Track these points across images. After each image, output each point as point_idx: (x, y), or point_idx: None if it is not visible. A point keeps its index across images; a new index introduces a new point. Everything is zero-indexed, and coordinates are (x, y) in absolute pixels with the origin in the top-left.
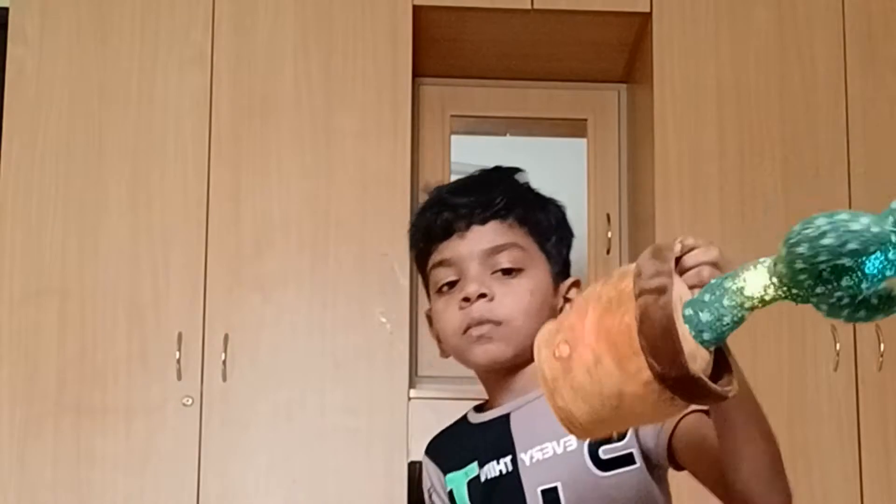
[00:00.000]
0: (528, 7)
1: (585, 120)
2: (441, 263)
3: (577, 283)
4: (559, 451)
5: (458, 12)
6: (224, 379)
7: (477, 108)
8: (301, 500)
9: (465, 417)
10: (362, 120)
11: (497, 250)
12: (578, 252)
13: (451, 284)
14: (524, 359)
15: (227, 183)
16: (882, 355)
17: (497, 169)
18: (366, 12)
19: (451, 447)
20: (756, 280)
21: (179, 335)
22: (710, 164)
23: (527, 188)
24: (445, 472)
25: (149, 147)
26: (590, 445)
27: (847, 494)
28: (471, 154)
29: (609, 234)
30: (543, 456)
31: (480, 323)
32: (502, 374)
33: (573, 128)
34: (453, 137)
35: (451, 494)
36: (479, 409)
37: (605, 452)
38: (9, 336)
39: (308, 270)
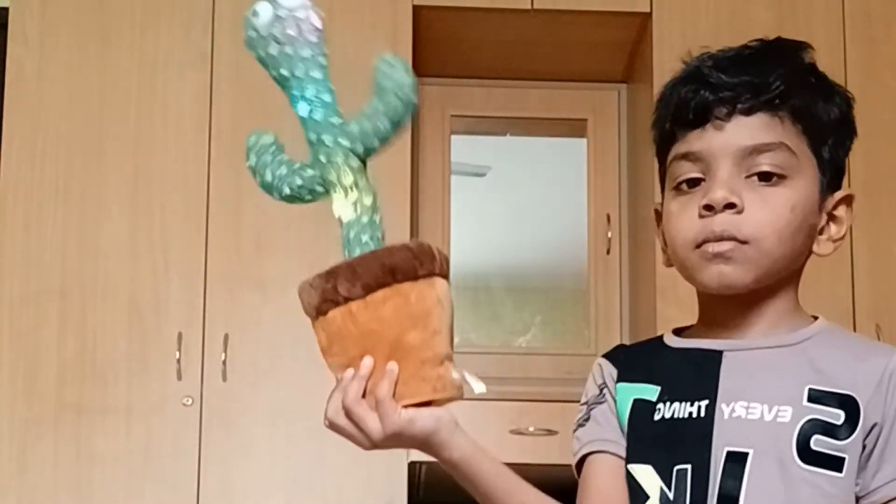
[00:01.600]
0: (528, 7)
1: (585, 120)
2: (686, 156)
3: (848, 199)
4: (768, 417)
5: (458, 12)
6: (224, 379)
7: (477, 108)
8: (301, 500)
9: (660, 337)
10: None
11: (759, 150)
12: (579, 252)
13: (694, 183)
14: (764, 289)
15: (227, 183)
16: None
17: (780, 42)
18: (366, 12)
19: (635, 359)
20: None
21: (179, 335)
22: None
23: (811, 70)
24: (619, 379)
25: (149, 147)
26: (804, 429)
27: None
28: (471, 154)
29: (609, 234)
30: (747, 415)
31: (721, 239)
32: (731, 303)
33: (573, 128)
34: (453, 137)
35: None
36: (679, 331)
37: (817, 444)
38: (9, 336)
39: (308, 270)
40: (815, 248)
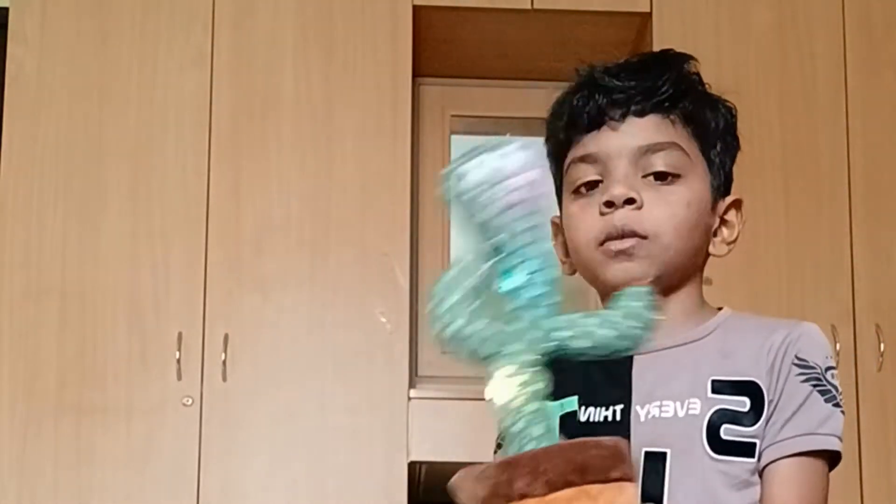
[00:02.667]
0: (528, 7)
1: None
2: (583, 159)
3: (737, 203)
4: (681, 413)
5: (457, 12)
6: (224, 379)
7: (477, 108)
8: (301, 500)
9: None
10: (362, 120)
11: (653, 149)
12: None
13: (592, 185)
14: (666, 286)
15: (227, 183)
16: (882, 355)
17: (666, 53)
18: (366, 12)
19: (553, 373)
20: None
21: (179, 335)
22: None
23: (697, 80)
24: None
25: (149, 147)
26: (713, 418)
27: (847, 495)
28: None
29: None
30: (661, 414)
31: (623, 235)
32: None
33: None
34: (453, 137)
35: None
36: None
37: (726, 433)
38: (9, 336)
39: (308, 270)
40: (710, 248)
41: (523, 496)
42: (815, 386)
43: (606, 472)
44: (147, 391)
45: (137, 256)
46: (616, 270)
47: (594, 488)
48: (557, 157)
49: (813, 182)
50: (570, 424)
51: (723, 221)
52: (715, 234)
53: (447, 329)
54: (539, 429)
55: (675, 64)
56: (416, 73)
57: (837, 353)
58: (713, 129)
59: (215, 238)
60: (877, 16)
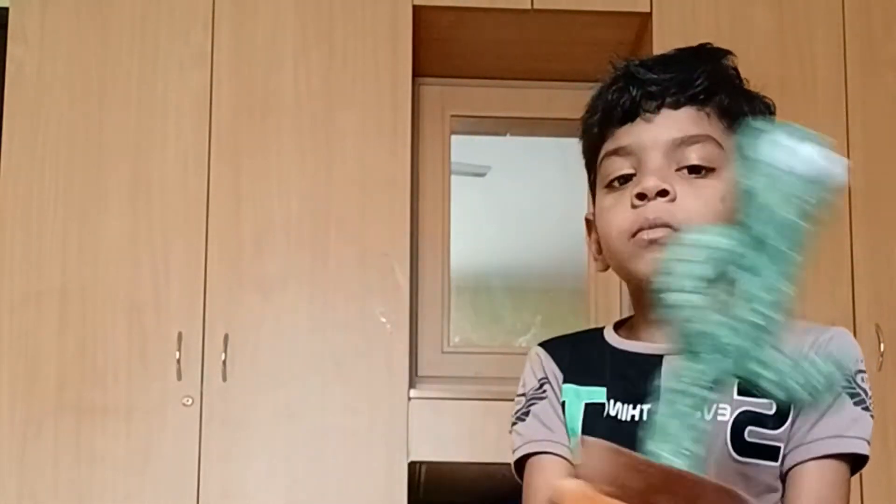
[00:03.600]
0: (528, 7)
1: None
2: (616, 152)
3: None
4: (707, 416)
5: (457, 12)
6: (224, 379)
7: (477, 108)
8: (301, 500)
9: (599, 333)
10: (362, 120)
11: (688, 142)
12: (578, 252)
13: (626, 179)
14: None
15: (227, 183)
16: (882, 355)
17: (703, 47)
18: (366, 12)
19: (578, 358)
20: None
21: (179, 335)
22: None
23: (735, 74)
24: (566, 380)
25: (149, 147)
26: (738, 421)
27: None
28: (471, 154)
29: None
30: None
31: (654, 226)
32: None
33: (573, 128)
34: (453, 137)
35: (562, 406)
36: (619, 327)
37: (751, 434)
38: (9, 336)
39: (308, 270)
40: None
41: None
42: (844, 388)
43: None
44: (147, 391)
45: (137, 256)
46: (647, 260)
47: None
48: (591, 151)
49: None
50: (594, 415)
51: None
52: None
53: (677, 297)
54: (695, 446)
55: (711, 57)
56: (416, 73)
57: None
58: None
59: (215, 238)
60: (877, 16)
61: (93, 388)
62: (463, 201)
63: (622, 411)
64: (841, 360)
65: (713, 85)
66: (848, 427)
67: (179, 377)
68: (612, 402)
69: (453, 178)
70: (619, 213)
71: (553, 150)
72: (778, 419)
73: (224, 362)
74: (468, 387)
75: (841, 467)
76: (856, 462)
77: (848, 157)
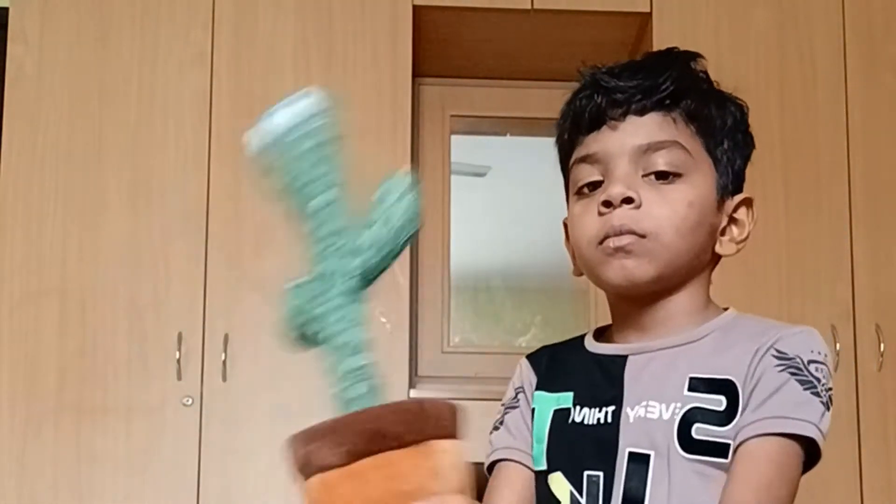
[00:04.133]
0: (528, 7)
1: None
2: (584, 159)
3: (748, 202)
4: (665, 415)
5: (457, 12)
6: (224, 379)
7: (477, 108)
8: (301, 500)
9: (580, 339)
10: (362, 118)
11: (654, 148)
12: None
13: (594, 186)
14: (666, 286)
15: (226, 183)
16: (882, 355)
17: (670, 51)
18: (366, 12)
19: (554, 365)
20: None
21: (179, 335)
22: None
23: (703, 77)
24: (538, 387)
25: (149, 147)
26: (686, 418)
27: (847, 494)
28: (471, 154)
29: None
30: (647, 415)
31: (621, 233)
32: (635, 303)
33: None
34: (453, 137)
35: (532, 413)
36: (601, 331)
37: (698, 432)
38: (9, 336)
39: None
40: (717, 247)
41: (329, 467)
42: (793, 374)
43: (401, 437)
44: (147, 391)
45: (137, 256)
46: (615, 268)
47: (394, 454)
48: (564, 158)
49: (813, 182)
50: (560, 421)
51: (732, 220)
52: (723, 234)
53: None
54: (363, 388)
55: (678, 62)
56: (416, 73)
57: (837, 354)
58: (719, 126)
59: (215, 238)
60: (877, 17)
61: (93, 387)
62: (463, 201)
63: (588, 416)
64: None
65: (679, 89)
66: (794, 409)
67: (179, 377)
68: (577, 407)
69: (453, 178)
70: (588, 221)
71: (553, 151)
72: (728, 416)
73: (224, 362)
74: (468, 387)
75: (786, 447)
76: (810, 454)
77: (848, 156)
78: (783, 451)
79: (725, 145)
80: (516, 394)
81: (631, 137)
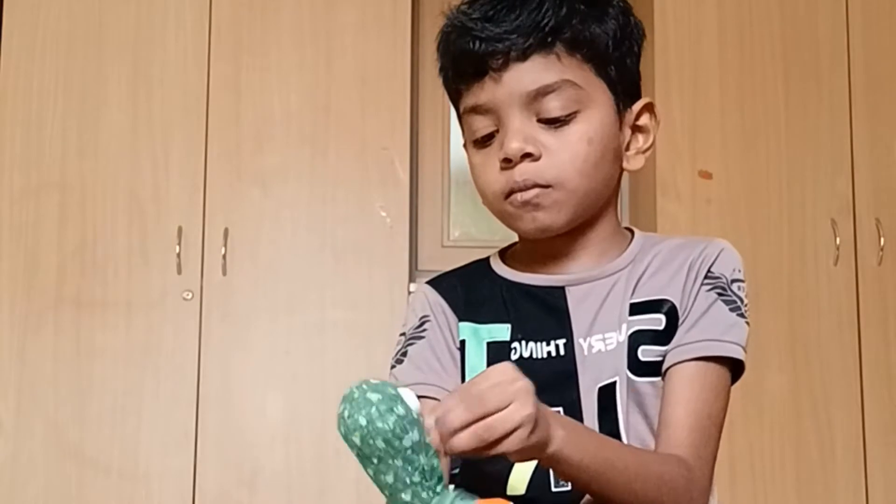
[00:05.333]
0: None
1: None
2: (475, 109)
3: (649, 106)
4: (621, 339)
5: None
6: (224, 273)
7: None
8: (300, 394)
9: (485, 264)
10: (362, 14)
11: (543, 92)
12: None
13: (490, 136)
14: (582, 224)
15: (226, 77)
16: (882, 249)
17: None
18: None
19: (471, 294)
20: None
21: (179, 229)
22: (711, 65)
23: None
24: (461, 317)
25: (149, 41)
26: (631, 343)
27: (847, 386)
28: None
29: None
30: (606, 347)
31: (525, 188)
32: (556, 240)
33: None
34: None
35: (461, 345)
36: (506, 257)
37: (644, 353)
38: (9, 230)
39: (308, 165)
40: (625, 165)
41: None
42: (719, 295)
43: None
44: (147, 285)
45: (137, 151)
46: (526, 221)
47: None
48: (454, 100)
49: (813, 76)
50: (500, 355)
51: (636, 128)
52: (627, 148)
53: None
54: None
55: None
56: None
57: (837, 248)
58: (605, 44)
59: (215, 132)
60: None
61: (92, 282)
62: None
63: (536, 349)
64: None
65: (558, 23)
66: (723, 332)
67: (179, 271)
68: (521, 342)
69: None
70: (490, 174)
71: None
72: (666, 335)
73: (224, 256)
74: None
75: (717, 370)
76: (734, 369)
77: (848, 49)
78: (715, 374)
79: (615, 60)
80: (421, 323)
81: (518, 85)
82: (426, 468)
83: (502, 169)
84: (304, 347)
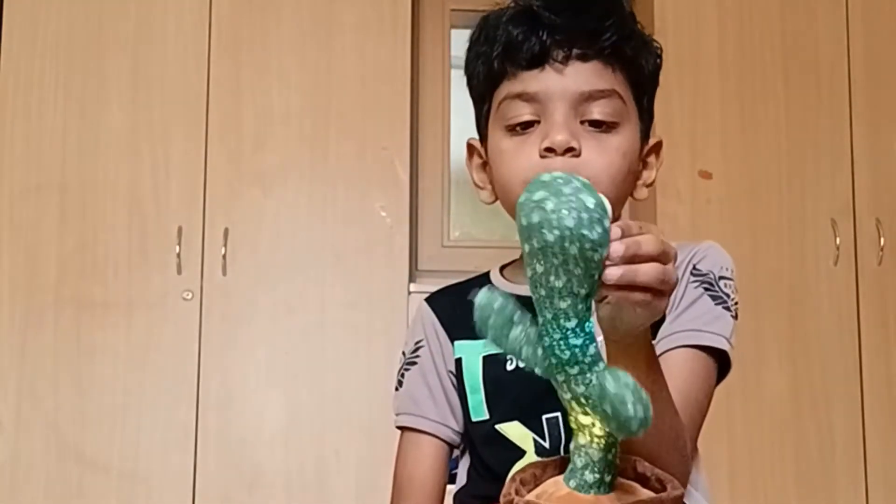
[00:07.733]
0: None
1: None
2: (520, 96)
3: (658, 146)
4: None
5: None
6: (224, 273)
7: (477, 2)
8: (300, 394)
9: (485, 279)
10: (362, 13)
11: (594, 96)
12: None
13: (528, 125)
14: None
15: (227, 76)
16: (882, 249)
17: None
18: None
19: (465, 310)
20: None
21: (179, 229)
22: (711, 65)
23: (633, 18)
24: (454, 338)
25: (149, 40)
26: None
27: (847, 386)
28: None
29: None
30: (599, 345)
31: None
32: None
33: None
34: (453, 31)
35: (458, 364)
36: (505, 271)
37: None
38: (9, 229)
39: (308, 164)
40: (634, 193)
41: None
42: (706, 290)
43: None
44: (147, 285)
45: (138, 150)
46: None
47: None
48: (488, 83)
49: (813, 75)
50: (495, 368)
51: (644, 164)
52: (639, 178)
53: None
54: (593, 475)
55: (616, 4)
56: None
57: (837, 248)
58: (647, 73)
59: (215, 132)
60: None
61: (93, 281)
62: (463, 95)
63: None
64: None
65: (621, 38)
66: (708, 323)
67: (179, 271)
68: None
69: (453, 72)
70: (523, 162)
71: None
72: (654, 330)
73: (224, 256)
74: None
75: (702, 359)
76: (721, 365)
77: (848, 48)
78: (701, 363)
79: (649, 91)
80: (416, 347)
81: (574, 83)
82: (595, 284)
83: (542, 157)
84: (304, 347)
